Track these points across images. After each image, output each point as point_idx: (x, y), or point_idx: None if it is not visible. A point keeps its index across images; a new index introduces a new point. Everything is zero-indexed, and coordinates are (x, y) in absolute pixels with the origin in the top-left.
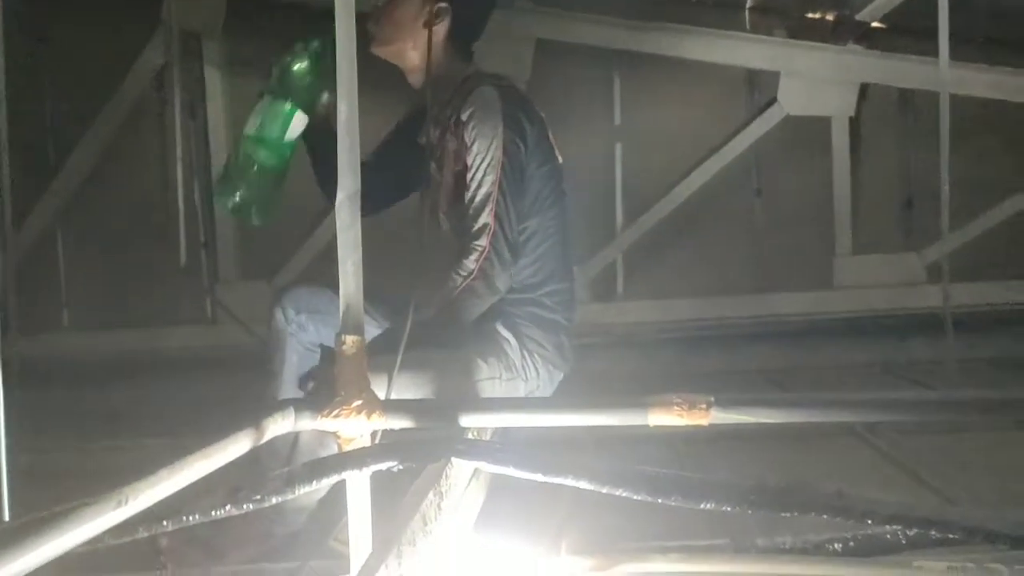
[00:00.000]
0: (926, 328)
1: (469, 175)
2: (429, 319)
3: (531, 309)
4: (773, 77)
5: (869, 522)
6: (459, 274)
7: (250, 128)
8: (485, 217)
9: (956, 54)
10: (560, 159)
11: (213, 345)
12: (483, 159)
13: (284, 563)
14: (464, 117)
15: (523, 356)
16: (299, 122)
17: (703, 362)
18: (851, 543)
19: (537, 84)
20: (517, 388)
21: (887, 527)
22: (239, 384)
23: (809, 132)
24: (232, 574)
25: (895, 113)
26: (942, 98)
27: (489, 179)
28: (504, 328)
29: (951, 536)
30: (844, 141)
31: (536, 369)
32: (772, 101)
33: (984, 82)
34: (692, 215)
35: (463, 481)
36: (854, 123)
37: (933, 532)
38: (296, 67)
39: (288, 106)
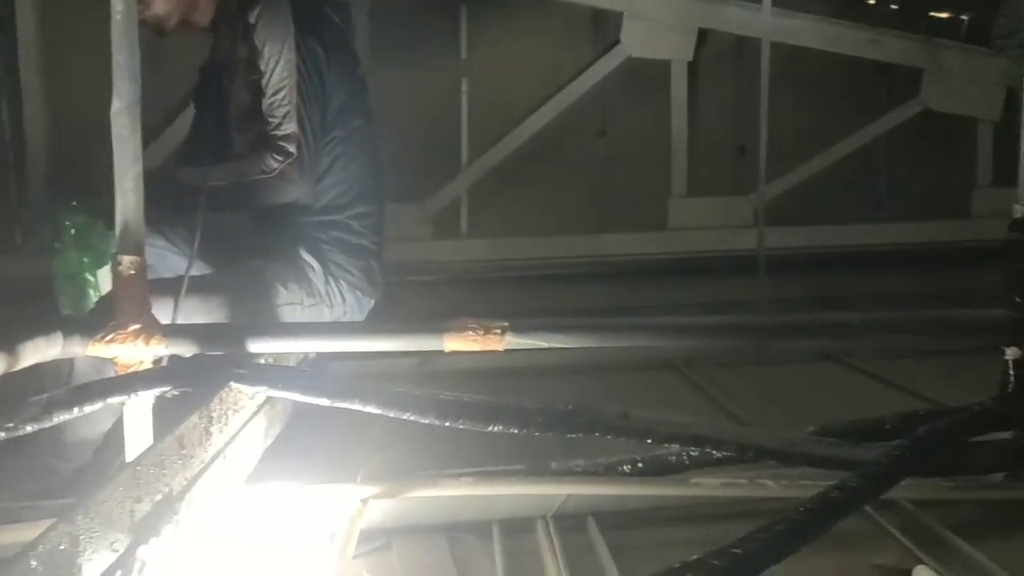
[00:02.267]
0: (752, 269)
1: (264, 80)
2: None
3: (336, 233)
4: (618, 18)
5: (649, 441)
6: (258, 166)
7: (65, 307)
8: (289, 124)
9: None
10: (363, 72)
11: (22, 276)
12: (276, 62)
13: (63, 499)
14: (252, 20)
15: (328, 281)
16: (103, 276)
17: (540, 300)
18: (639, 464)
19: (380, 15)
20: (321, 314)
21: (673, 448)
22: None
23: (651, 75)
24: (4, 511)
25: (732, 60)
26: (763, 45)
27: (287, 83)
28: (307, 252)
29: (726, 454)
30: (682, 85)
31: (342, 295)
32: (616, 42)
33: (811, 32)
34: (537, 154)
35: (250, 408)
36: (693, 68)
37: (708, 449)
38: (75, 228)
39: (86, 276)
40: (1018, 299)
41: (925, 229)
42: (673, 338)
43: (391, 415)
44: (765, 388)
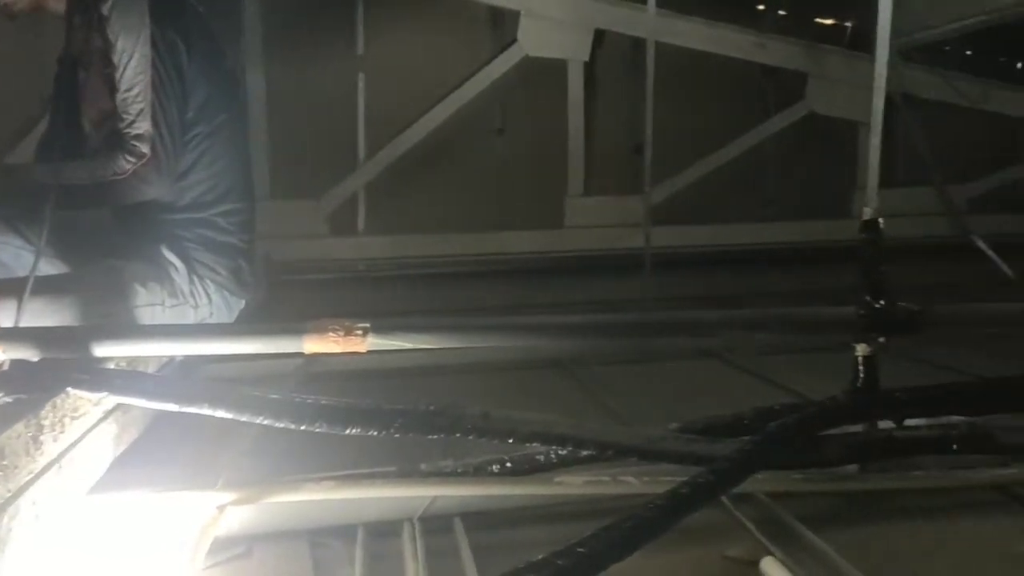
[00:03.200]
0: (637, 268)
1: (117, 75)
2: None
3: (201, 231)
4: (516, 17)
5: (511, 440)
6: (111, 167)
7: None
8: (142, 123)
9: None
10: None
11: None
12: (130, 56)
13: None
14: (105, 12)
15: (192, 281)
16: None
17: (435, 299)
18: (508, 464)
19: (275, 9)
20: (185, 315)
21: (540, 447)
22: None
23: (549, 75)
24: None
25: (628, 61)
26: (648, 45)
27: (141, 79)
28: (170, 251)
29: (590, 453)
30: (579, 85)
31: (208, 295)
32: (513, 41)
33: (699, 35)
34: (436, 151)
35: (95, 414)
36: (590, 69)
37: (570, 448)
38: None
39: None
40: (868, 297)
41: (810, 228)
42: (535, 337)
43: (243, 419)
44: (649, 385)
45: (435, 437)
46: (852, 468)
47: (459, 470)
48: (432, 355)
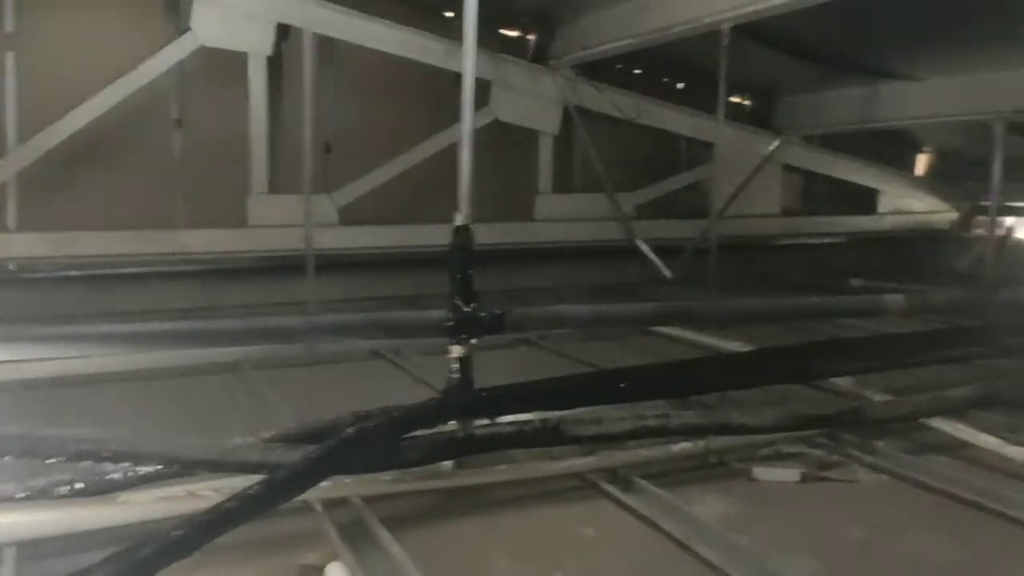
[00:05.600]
0: (332, 268)
1: None
2: None
3: None
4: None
5: (60, 460)
6: None
7: None
8: None
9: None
10: None
11: None
12: None
13: None
14: None
15: None
16: None
17: (106, 302)
18: (79, 486)
19: None
20: None
21: (119, 465)
22: None
23: (231, 67)
24: None
25: (318, 58)
26: (305, 35)
27: None
28: None
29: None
30: (261, 79)
31: None
32: (188, 29)
33: (387, 37)
34: (106, 141)
35: None
36: (276, 63)
37: (131, 464)
38: None
39: None
40: (458, 301)
41: (499, 230)
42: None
43: None
44: (321, 386)
45: None
46: (448, 465)
47: (21, 494)
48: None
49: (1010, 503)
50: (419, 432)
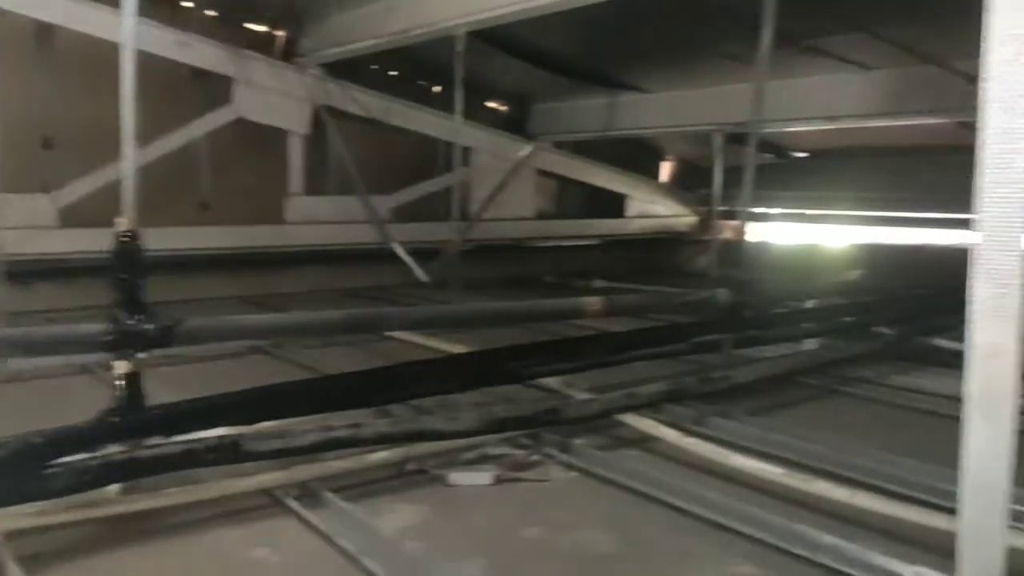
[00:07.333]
0: (60, 275)
1: None
2: None
3: None
4: None
5: None
6: None
7: None
8: None
9: None
10: None
11: None
12: None
13: None
14: None
15: None
16: None
17: None
18: None
19: None
20: None
21: None
22: None
23: None
24: None
25: (34, 48)
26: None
27: None
28: None
29: None
30: None
31: None
32: None
33: (109, 25)
34: None
35: None
36: None
37: None
38: None
39: None
40: (123, 313)
41: (246, 234)
42: None
43: None
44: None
45: None
46: (113, 489)
47: None
48: None
49: (675, 492)
50: (69, 458)
